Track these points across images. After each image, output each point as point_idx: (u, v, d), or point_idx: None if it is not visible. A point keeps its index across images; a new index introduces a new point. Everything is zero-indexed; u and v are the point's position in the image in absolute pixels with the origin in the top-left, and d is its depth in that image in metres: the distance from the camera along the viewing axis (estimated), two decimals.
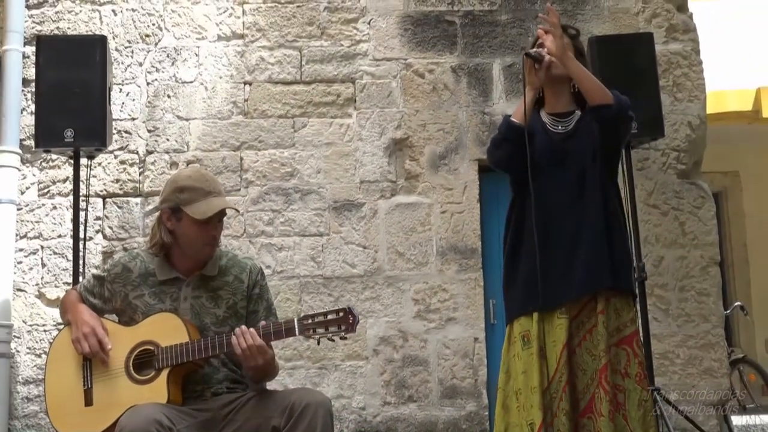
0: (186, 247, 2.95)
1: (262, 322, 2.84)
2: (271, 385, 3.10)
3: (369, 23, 5.78)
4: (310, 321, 2.76)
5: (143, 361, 2.89)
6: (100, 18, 5.69)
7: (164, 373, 2.83)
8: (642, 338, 3.42)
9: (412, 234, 5.54)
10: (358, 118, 5.67)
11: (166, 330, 2.85)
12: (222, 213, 2.99)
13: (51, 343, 3.04)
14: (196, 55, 5.71)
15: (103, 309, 3.04)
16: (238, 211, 2.85)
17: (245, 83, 5.67)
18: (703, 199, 5.70)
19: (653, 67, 5.04)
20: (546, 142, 3.06)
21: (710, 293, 5.57)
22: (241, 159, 5.59)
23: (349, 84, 5.72)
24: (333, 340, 2.78)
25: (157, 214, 3.04)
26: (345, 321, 2.73)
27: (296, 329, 2.75)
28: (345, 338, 2.75)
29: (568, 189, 3.01)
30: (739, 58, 8.70)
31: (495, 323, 5.52)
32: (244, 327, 2.78)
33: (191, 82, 5.67)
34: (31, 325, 5.38)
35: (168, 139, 5.63)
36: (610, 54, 4.92)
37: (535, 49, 3.01)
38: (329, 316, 2.75)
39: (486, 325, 5.50)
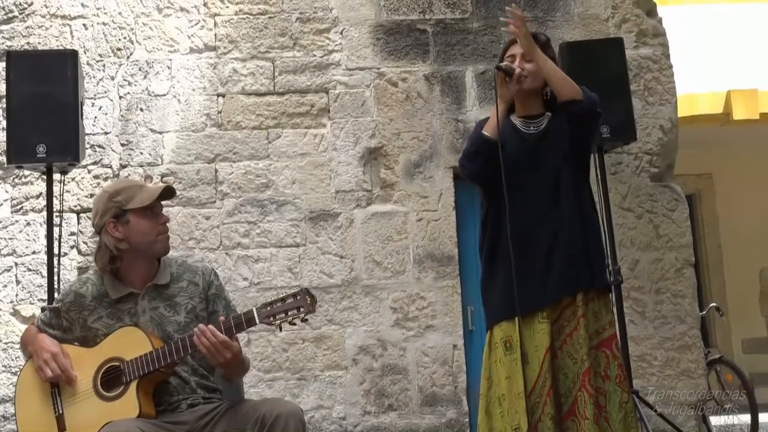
0: (142, 246, 2.91)
1: (221, 318, 2.81)
2: (251, 398, 3.06)
3: (341, 33, 5.80)
4: (269, 308, 2.73)
5: (111, 378, 2.85)
6: (71, 32, 5.66)
7: (133, 386, 2.80)
8: (619, 341, 3.42)
9: (389, 242, 5.56)
10: (333, 128, 5.69)
11: (130, 343, 2.82)
12: (164, 197, 2.96)
13: (17, 379, 2.99)
14: (169, 68, 5.70)
15: (65, 339, 2.98)
16: (174, 192, 2.93)
17: (218, 95, 5.68)
18: (677, 201, 5.75)
19: (624, 72, 5.11)
20: (518, 143, 3.07)
21: (686, 295, 5.63)
22: (216, 171, 5.59)
23: (322, 94, 5.74)
24: (294, 324, 2.76)
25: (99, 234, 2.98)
26: (303, 302, 2.71)
27: (256, 318, 2.73)
28: (306, 320, 2.74)
29: (543, 192, 3.03)
30: (710, 61, 8.80)
31: (473, 330, 5.54)
32: (202, 326, 2.75)
33: (164, 95, 5.66)
34: (6, 343, 5.34)
35: (142, 153, 5.61)
36: (582, 60, 4.96)
37: (505, 63, 3.04)
38: (288, 300, 2.73)
39: (464, 332, 5.52)
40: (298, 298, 2.72)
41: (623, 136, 5.05)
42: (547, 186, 3.02)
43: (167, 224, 2.96)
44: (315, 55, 5.79)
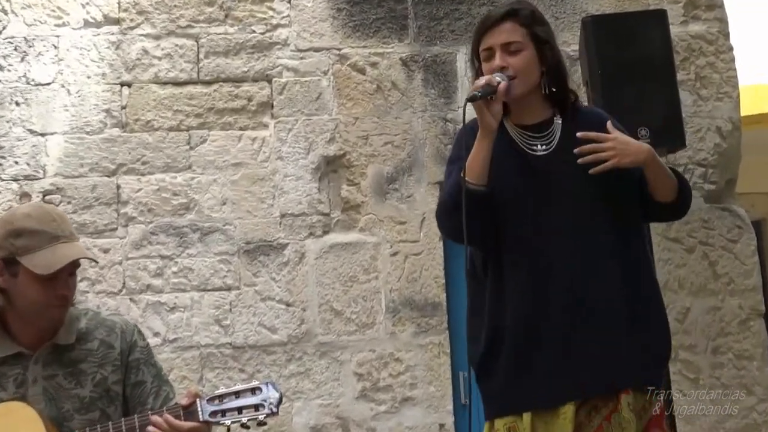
0: (24, 310, 2.84)
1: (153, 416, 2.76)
2: None
3: (290, 2, 5.74)
4: (217, 402, 2.74)
5: None
6: None
7: None
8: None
9: (353, 285, 5.48)
10: (277, 130, 5.59)
11: (11, 428, 2.75)
12: (74, 265, 2.87)
13: None
14: (55, 47, 5.59)
15: None
16: (96, 261, 3.05)
17: (123, 84, 5.59)
18: (740, 229, 5.67)
19: (669, 56, 4.97)
20: (523, 170, 2.94)
21: (753, 356, 5.52)
22: (119, 187, 5.48)
23: (263, 84, 5.65)
24: (248, 427, 2.75)
25: None
26: (263, 400, 2.73)
27: (200, 412, 2.73)
28: (264, 423, 2.72)
29: (565, 237, 2.88)
30: None
31: (467, 403, 5.29)
32: (157, 418, 2.73)
33: (48, 84, 5.54)
34: None
35: (17, 162, 5.45)
36: (612, 38, 4.87)
37: (482, 83, 2.85)
38: (242, 396, 2.73)
39: (455, 407, 5.40)
40: (258, 393, 2.74)
41: (667, 141, 4.87)
42: (571, 230, 2.89)
43: (68, 295, 2.89)
44: (254, 31, 5.69)
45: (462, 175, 2.81)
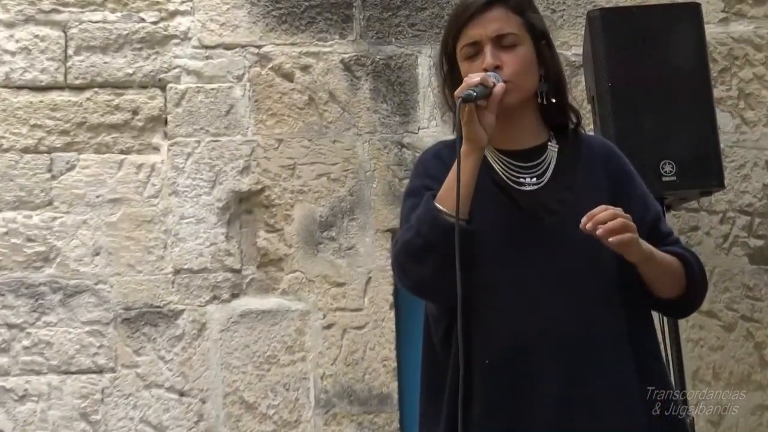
0: None
1: None
2: None
3: None
4: None
5: None
6: None
7: None
8: None
9: (271, 368, 5.14)
10: (172, 155, 5.25)
11: None
12: None
13: None
14: None
15: None
16: None
17: None
18: None
19: (703, 64, 4.68)
20: (504, 211, 2.84)
21: None
22: None
23: (155, 91, 5.31)
24: None
25: None
26: None
27: None
28: None
29: (559, 297, 2.77)
30: None
31: None
32: None
33: None
34: None
35: None
36: (627, 40, 4.63)
37: (476, 80, 2.72)
38: None
39: None
40: None
41: (700, 180, 4.60)
42: (568, 288, 2.77)
43: None
44: (143, 20, 5.35)
45: (453, 211, 2.69)
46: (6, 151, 5.15)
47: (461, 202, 2.72)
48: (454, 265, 2.65)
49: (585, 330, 2.74)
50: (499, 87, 2.67)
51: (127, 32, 5.29)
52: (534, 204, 2.80)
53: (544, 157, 2.86)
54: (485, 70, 2.75)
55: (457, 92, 2.65)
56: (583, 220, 2.60)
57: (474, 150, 2.70)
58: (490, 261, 2.75)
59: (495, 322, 2.72)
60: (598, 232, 2.59)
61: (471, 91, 2.62)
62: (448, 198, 2.70)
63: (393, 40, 5.42)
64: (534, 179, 2.84)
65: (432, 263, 2.71)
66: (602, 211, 2.61)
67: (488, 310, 2.73)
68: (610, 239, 2.59)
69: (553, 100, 2.84)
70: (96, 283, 5.09)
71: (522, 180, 2.83)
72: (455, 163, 2.71)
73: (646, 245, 2.71)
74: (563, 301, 2.74)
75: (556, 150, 2.86)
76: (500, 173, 2.83)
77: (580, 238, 2.67)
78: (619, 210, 2.62)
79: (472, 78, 2.68)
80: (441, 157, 2.85)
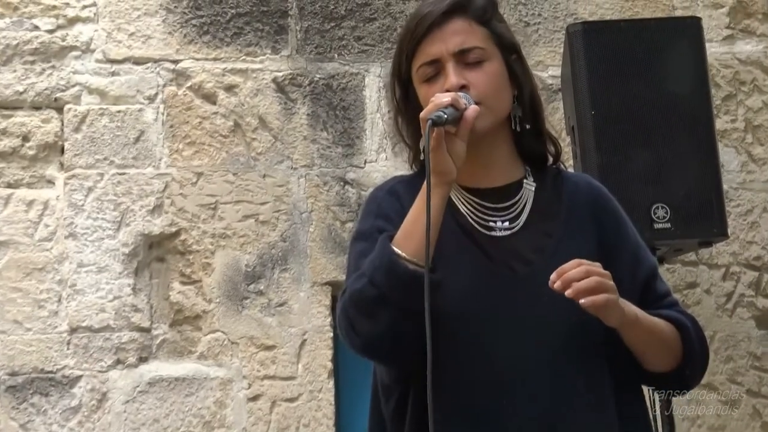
0: None
1: None
2: None
3: None
4: None
5: None
6: None
7: None
8: None
9: None
10: (70, 189, 5.04)
11: None
12: None
13: None
14: None
15: None
16: None
17: None
18: None
19: (704, 90, 4.58)
20: (471, 260, 2.66)
21: None
22: None
23: (50, 113, 5.08)
24: None
25: None
26: None
27: None
28: None
29: (533, 365, 2.59)
30: None
31: None
32: None
33: None
34: None
35: None
36: (613, 59, 4.53)
37: (446, 100, 2.50)
38: None
39: None
40: None
41: (698, 227, 4.50)
42: (544, 358, 2.59)
43: None
44: (36, 27, 5.13)
45: (414, 257, 2.56)
46: None
47: (417, 245, 2.53)
48: (412, 320, 2.46)
49: (563, 405, 2.54)
50: (471, 110, 2.52)
51: (17, 42, 5.05)
52: (505, 253, 2.65)
53: (519, 197, 2.72)
54: (448, 92, 2.61)
55: (423, 114, 2.46)
56: (552, 276, 2.43)
57: (440, 184, 2.55)
58: (452, 319, 2.56)
59: (458, 391, 2.57)
60: (568, 292, 2.41)
61: (442, 113, 2.46)
62: (409, 241, 2.53)
63: (336, 56, 5.29)
64: (506, 223, 2.69)
65: (386, 318, 2.49)
66: (574, 267, 2.43)
67: (449, 375, 2.57)
68: (582, 301, 2.40)
69: (528, 127, 2.69)
70: None
71: (492, 224, 2.67)
72: (417, 200, 2.57)
73: (630, 307, 2.52)
74: (538, 369, 2.57)
75: (533, 189, 2.71)
76: (466, 215, 2.69)
77: (559, 296, 2.46)
78: (594, 266, 2.45)
79: (441, 98, 2.52)
80: (396, 195, 2.69)
